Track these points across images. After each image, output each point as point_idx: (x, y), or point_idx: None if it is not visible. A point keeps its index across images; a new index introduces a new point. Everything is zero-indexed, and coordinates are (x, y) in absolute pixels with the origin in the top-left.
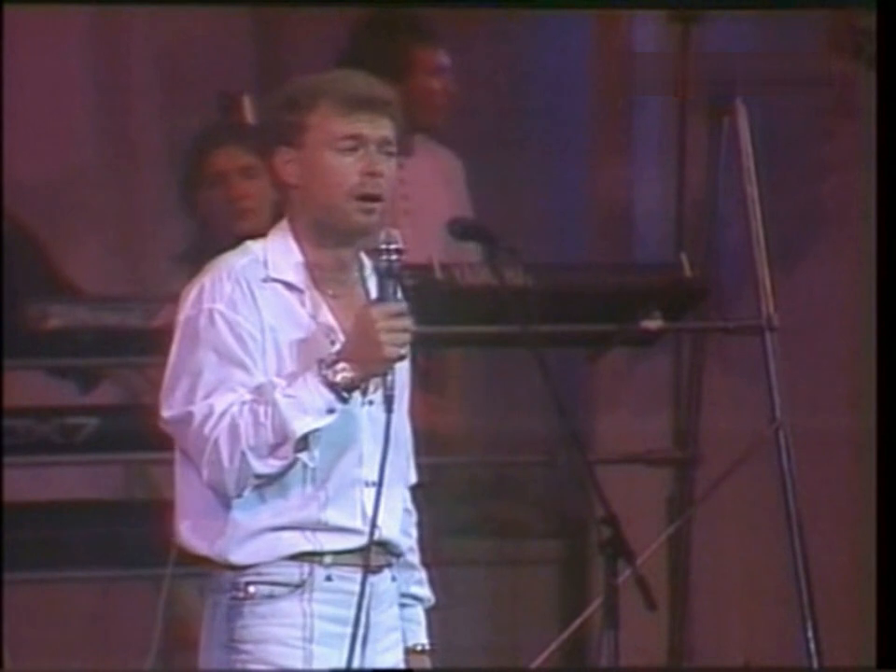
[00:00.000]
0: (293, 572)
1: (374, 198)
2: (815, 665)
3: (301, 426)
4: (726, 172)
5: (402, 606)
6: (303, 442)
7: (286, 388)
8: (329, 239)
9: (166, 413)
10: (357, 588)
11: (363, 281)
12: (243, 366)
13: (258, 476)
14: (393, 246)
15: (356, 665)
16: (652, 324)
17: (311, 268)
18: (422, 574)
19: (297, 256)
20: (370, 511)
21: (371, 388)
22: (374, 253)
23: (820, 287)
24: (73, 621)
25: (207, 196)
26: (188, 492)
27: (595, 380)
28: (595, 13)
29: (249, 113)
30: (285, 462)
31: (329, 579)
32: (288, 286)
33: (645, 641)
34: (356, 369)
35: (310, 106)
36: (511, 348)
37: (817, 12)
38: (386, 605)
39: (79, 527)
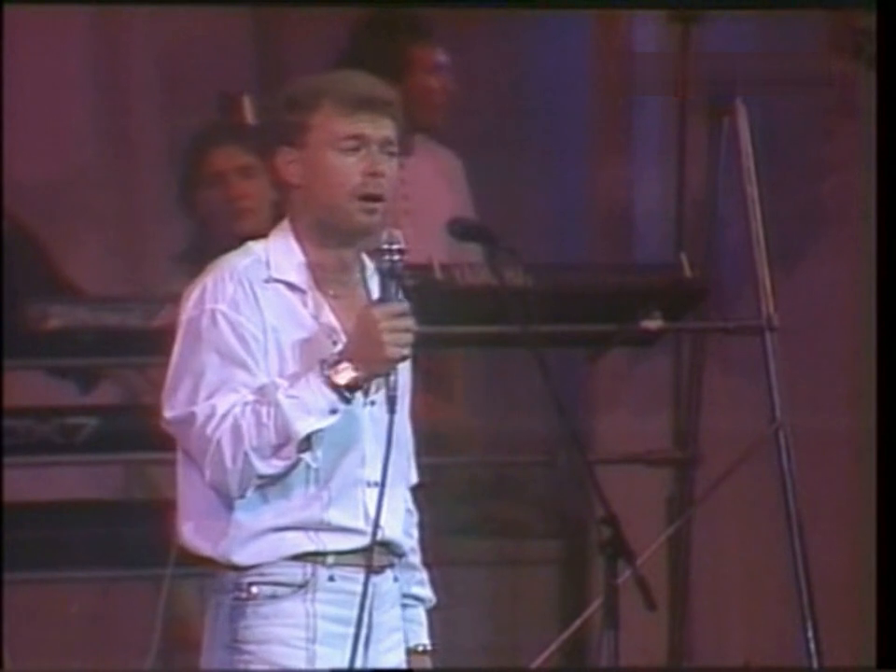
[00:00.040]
0: (296, 572)
1: (376, 198)
2: (815, 665)
3: (304, 426)
4: (726, 172)
5: (404, 606)
6: (306, 443)
7: (288, 389)
8: (332, 239)
9: (168, 413)
10: (359, 588)
11: (364, 281)
12: (245, 366)
13: (260, 477)
14: (395, 247)
15: (358, 665)
16: (652, 324)
17: (313, 268)
18: (423, 575)
19: (299, 256)
20: (372, 512)
21: (373, 389)
22: (377, 253)
23: (820, 287)
24: (73, 621)
25: (206, 196)
26: (190, 493)
27: (595, 380)
28: (595, 13)
29: (249, 113)
30: (288, 462)
31: (331, 579)
32: (290, 286)
33: (645, 641)
34: (359, 369)
35: (312, 106)
36: (511, 348)
37: (817, 12)
38: (389, 605)
39: (79, 527)
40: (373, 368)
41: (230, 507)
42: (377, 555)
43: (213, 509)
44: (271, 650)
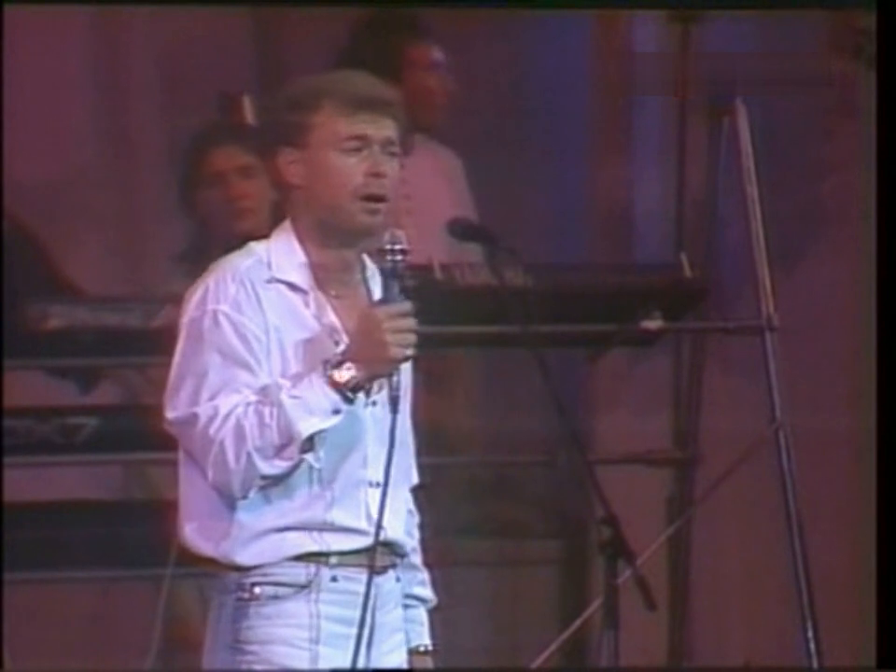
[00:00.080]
0: (299, 573)
1: (379, 198)
2: (815, 665)
3: (306, 426)
4: (726, 172)
5: (405, 607)
6: (309, 443)
7: (291, 389)
8: (333, 239)
9: (171, 414)
10: (362, 589)
11: (366, 282)
12: (247, 367)
13: (263, 477)
14: (398, 247)
15: (360, 666)
16: (652, 324)
17: (314, 269)
18: (424, 575)
19: (300, 256)
20: (374, 512)
21: (375, 389)
22: (379, 253)
23: (820, 287)
24: (73, 621)
25: (206, 196)
26: (192, 493)
27: (595, 380)
28: (595, 13)
29: (249, 113)
30: (290, 463)
31: (334, 579)
32: (292, 286)
33: (645, 641)
34: (361, 369)
35: (314, 107)
36: (511, 348)
37: (817, 12)
38: (391, 605)
39: (79, 527)
40: (376, 368)
41: (232, 507)
42: (380, 556)
43: (215, 509)
44: (273, 650)
